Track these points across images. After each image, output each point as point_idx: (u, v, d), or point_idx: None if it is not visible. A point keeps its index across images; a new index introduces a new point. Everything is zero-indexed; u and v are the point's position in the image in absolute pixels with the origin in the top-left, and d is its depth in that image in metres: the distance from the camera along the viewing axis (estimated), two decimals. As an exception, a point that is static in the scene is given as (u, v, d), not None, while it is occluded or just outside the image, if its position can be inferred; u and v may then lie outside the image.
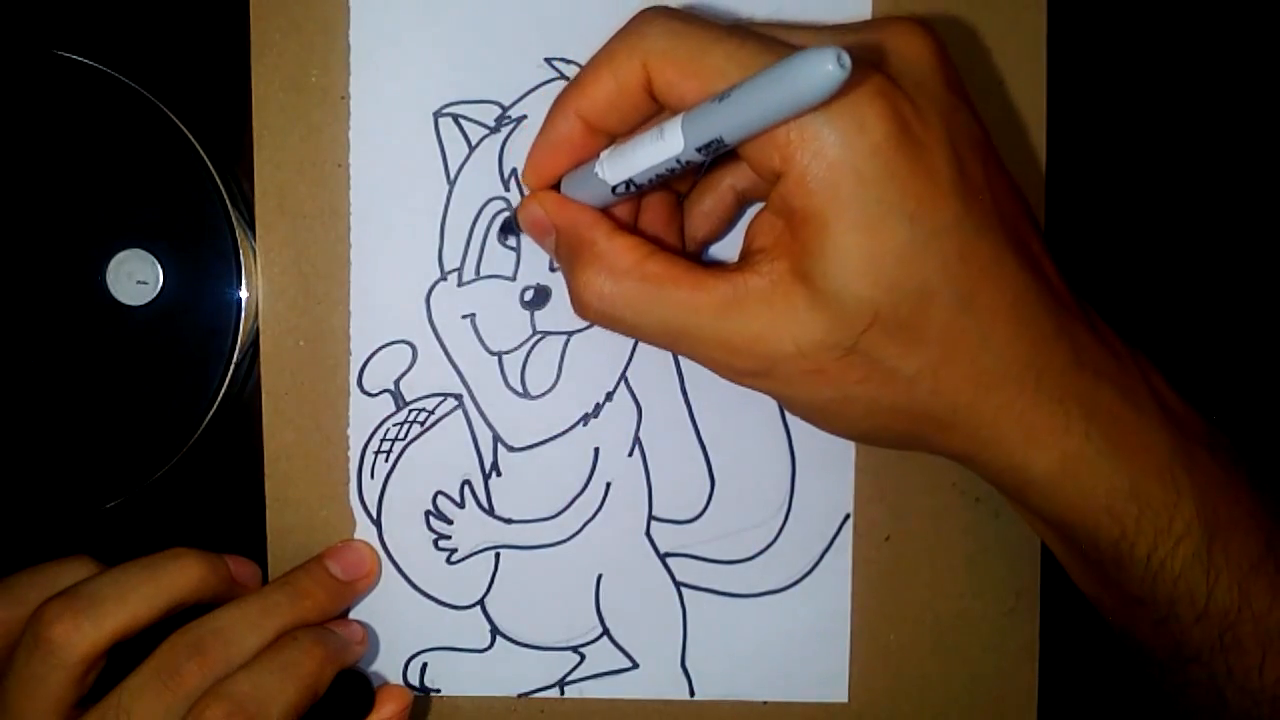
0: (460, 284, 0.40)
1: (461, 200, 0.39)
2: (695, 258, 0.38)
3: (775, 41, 0.31)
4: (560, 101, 0.34)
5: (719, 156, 0.31)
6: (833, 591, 0.40)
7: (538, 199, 0.35)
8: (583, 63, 0.39)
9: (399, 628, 0.40)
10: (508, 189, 0.39)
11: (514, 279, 0.40)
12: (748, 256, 0.33)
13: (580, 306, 0.34)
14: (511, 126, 0.39)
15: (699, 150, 0.30)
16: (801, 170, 0.30)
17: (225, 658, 0.34)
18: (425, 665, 0.40)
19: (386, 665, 0.40)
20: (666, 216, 0.37)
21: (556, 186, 0.35)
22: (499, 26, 0.39)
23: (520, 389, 0.40)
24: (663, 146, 0.31)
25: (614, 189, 0.33)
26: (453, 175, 0.39)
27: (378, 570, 0.40)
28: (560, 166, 0.35)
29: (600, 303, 0.33)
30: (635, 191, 0.33)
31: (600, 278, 0.33)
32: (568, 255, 0.34)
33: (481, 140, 0.39)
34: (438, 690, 0.40)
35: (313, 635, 0.36)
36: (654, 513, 0.40)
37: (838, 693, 0.41)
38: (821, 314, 0.31)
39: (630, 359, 0.40)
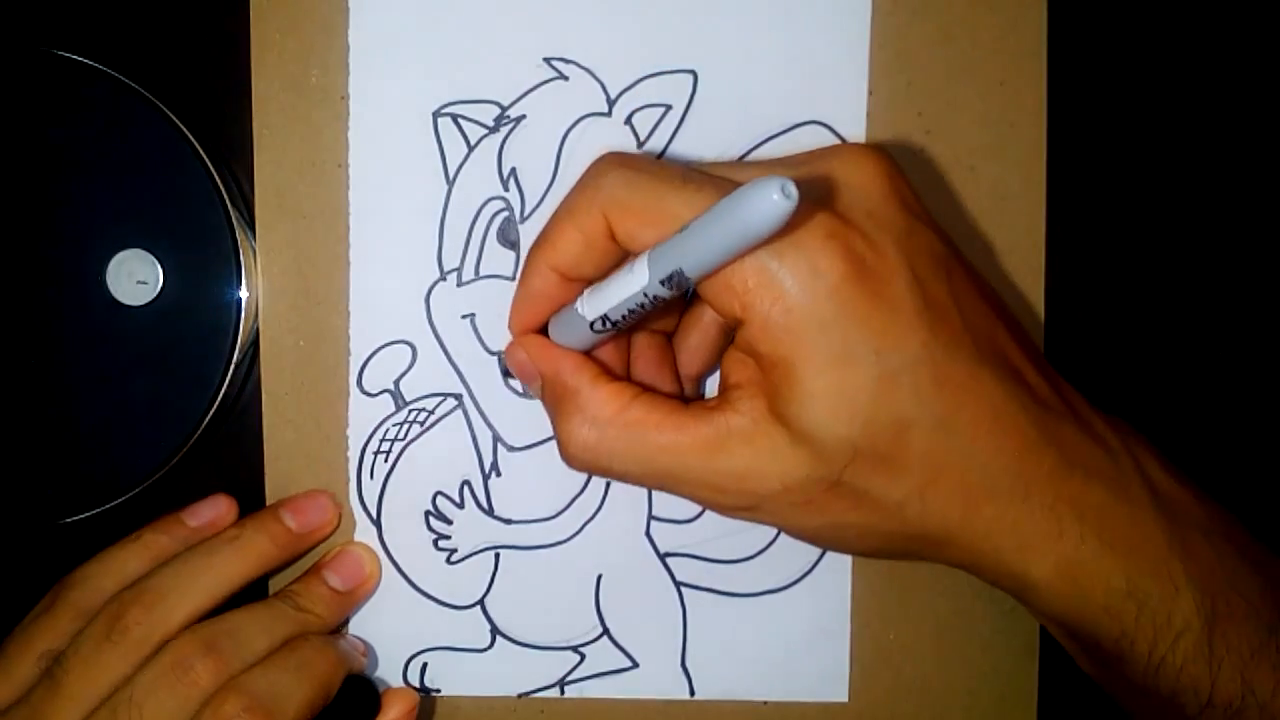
0: (460, 284, 0.40)
1: (461, 200, 0.39)
2: (694, 392, 0.39)
3: (728, 182, 0.31)
4: (532, 257, 0.34)
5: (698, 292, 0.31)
6: (833, 591, 0.40)
7: (522, 343, 0.36)
8: (582, 63, 0.39)
9: (399, 628, 0.40)
10: (506, 189, 0.39)
11: (513, 279, 0.39)
12: (726, 392, 0.33)
13: (566, 457, 0.34)
14: (510, 126, 0.39)
15: (664, 283, 0.30)
16: (763, 317, 0.30)
17: (238, 657, 0.35)
18: (425, 665, 0.40)
19: (387, 665, 0.40)
20: (658, 358, 0.37)
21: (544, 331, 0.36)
22: (499, 26, 0.39)
23: (520, 389, 0.40)
24: (631, 280, 0.31)
25: (592, 326, 0.33)
26: (452, 175, 0.39)
27: (378, 575, 0.40)
28: (541, 316, 0.35)
29: (585, 453, 0.33)
30: (613, 329, 0.33)
31: (584, 428, 0.33)
32: (553, 403, 0.35)
33: (480, 140, 0.39)
34: (438, 690, 0.40)
35: (324, 637, 0.37)
36: (654, 512, 0.40)
37: (838, 693, 0.41)
38: (802, 451, 0.31)
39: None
